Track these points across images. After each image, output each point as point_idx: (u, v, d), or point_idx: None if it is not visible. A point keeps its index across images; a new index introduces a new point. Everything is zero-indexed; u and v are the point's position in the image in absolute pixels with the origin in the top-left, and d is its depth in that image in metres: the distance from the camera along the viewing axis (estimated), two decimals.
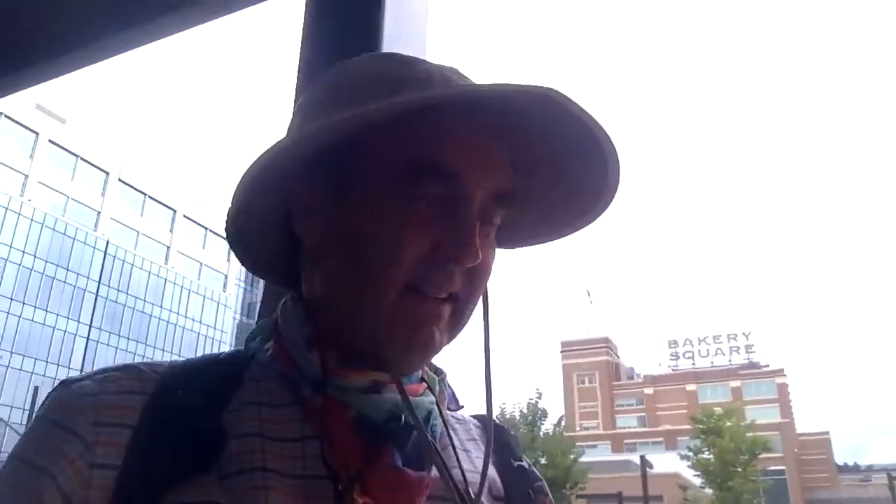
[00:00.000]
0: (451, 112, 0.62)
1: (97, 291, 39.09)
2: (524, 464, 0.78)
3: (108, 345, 39.22)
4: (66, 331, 37.71)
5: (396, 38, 1.20)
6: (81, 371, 0.66)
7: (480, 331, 0.69)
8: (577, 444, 51.46)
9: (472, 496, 0.66)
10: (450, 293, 0.63)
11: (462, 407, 0.73)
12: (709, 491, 31.94)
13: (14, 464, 0.58)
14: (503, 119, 0.63)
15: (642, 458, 26.65)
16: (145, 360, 0.66)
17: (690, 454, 33.45)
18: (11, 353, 34.67)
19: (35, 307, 36.13)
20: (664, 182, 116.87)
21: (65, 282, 37.65)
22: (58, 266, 37.20)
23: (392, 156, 0.63)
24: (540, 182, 0.71)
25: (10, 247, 35.02)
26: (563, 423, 30.92)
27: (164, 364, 0.66)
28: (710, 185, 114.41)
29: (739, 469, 31.20)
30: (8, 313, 34.91)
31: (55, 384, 0.64)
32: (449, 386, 0.74)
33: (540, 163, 0.69)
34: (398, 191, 0.62)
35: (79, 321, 38.22)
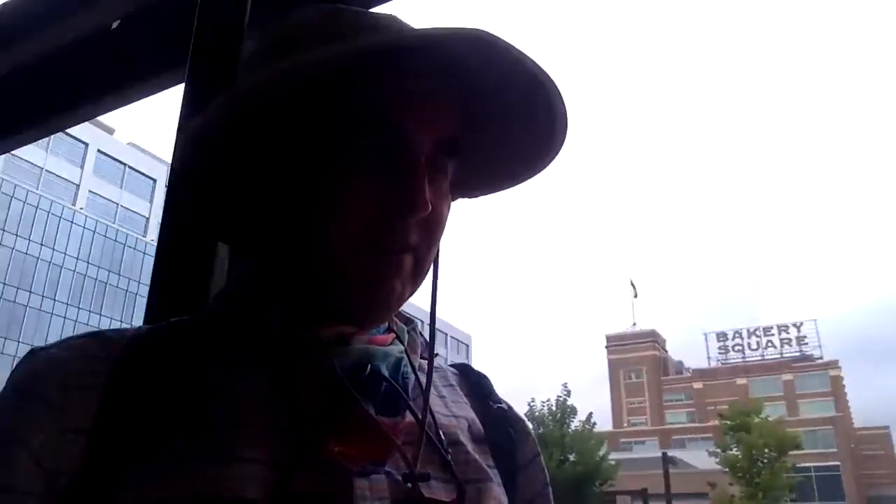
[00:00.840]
0: (388, 62, 0.59)
1: None
2: (504, 405, 0.78)
3: None
4: None
5: None
6: None
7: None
8: (624, 440, 51.01)
9: (443, 436, 0.66)
10: (407, 244, 0.62)
11: (437, 355, 0.72)
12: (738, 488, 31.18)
13: None
14: (451, 65, 0.61)
15: (664, 454, 26.30)
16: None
17: (718, 451, 32.80)
18: None
19: (90, 311, 37.49)
20: (711, 173, 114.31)
21: (117, 286, 38.92)
22: (110, 271, 38.51)
23: (333, 112, 0.62)
24: (491, 130, 0.70)
25: (65, 254, 36.44)
26: (592, 420, 30.68)
27: (132, 330, 0.66)
28: (757, 175, 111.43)
29: (768, 464, 30.44)
30: (65, 318, 36.31)
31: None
32: (421, 335, 0.74)
33: (490, 109, 0.67)
34: (341, 149, 0.61)
35: (131, 324, 39.00)
